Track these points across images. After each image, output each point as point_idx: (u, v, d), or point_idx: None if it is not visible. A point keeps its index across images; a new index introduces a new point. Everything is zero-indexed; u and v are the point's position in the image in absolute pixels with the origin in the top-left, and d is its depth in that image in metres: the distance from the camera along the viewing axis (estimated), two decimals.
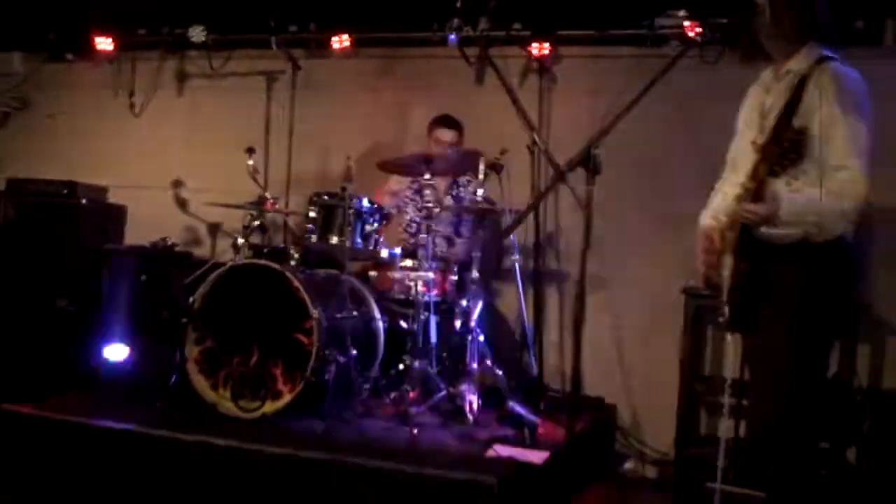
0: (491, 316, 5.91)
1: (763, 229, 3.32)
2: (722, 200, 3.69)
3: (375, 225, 5.33)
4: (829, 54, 3.38)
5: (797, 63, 3.37)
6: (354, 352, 4.96)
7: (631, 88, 6.28)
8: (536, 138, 6.02)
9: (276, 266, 4.98)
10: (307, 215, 5.30)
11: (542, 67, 6.52)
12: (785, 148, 3.16)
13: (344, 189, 5.14)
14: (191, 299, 5.09)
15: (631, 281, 6.40)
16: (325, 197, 5.28)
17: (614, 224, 6.33)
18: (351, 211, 5.12)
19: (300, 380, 4.84)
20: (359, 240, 5.24)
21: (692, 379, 5.86)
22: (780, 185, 3.22)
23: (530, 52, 6.45)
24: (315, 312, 4.82)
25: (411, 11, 6.62)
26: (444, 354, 5.46)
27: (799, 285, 3.32)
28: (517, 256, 5.09)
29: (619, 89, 6.30)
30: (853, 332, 5.76)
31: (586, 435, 5.66)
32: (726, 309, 3.50)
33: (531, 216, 6.17)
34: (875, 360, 5.96)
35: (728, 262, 3.47)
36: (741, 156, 3.57)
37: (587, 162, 3.56)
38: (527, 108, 6.59)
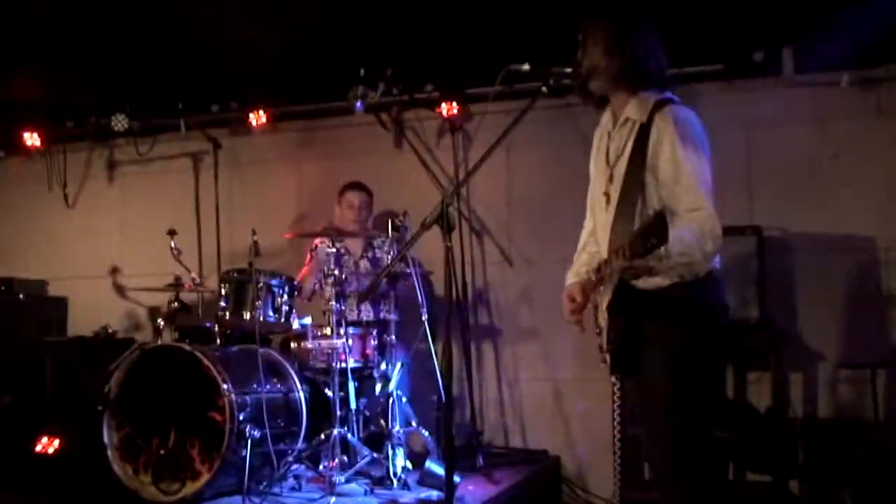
0: (417, 376, 5.90)
1: (641, 281, 3.32)
2: (588, 258, 3.69)
3: (285, 297, 5.37)
4: (666, 97, 3.40)
5: (634, 110, 3.37)
6: (271, 426, 4.94)
7: (544, 139, 6.43)
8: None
9: (186, 347, 5.00)
10: (217, 292, 5.33)
11: (454, 126, 6.58)
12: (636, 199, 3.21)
13: (251, 264, 5.17)
14: (107, 387, 5.10)
15: (562, 330, 6.39)
16: (235, 273, 5.32)
17: (540, 275, 6.41)
18: (260, 285, 5.15)
19: (217, 458, 4.83)
20: (270, 313, 5.27)
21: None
22: None
23: (440, 113, 6.52)
24: (225, 389, 4.83)
25: (327, 83, 6.72)
26: (366, 420, 5.46)
27: (671, 326, 3.32)
28: (425, 315, 5.09)
29: (533, 140, 6.44)
30: (780, 363, 5.78)
31: (528, 488, 5.66)
32: (607, 357, 3.49)
33: (459, 273, 6.20)
34: (808, 389, 5.95)
35: (603, 317, 3.47)
36: (597, 204, 3.58)
37: (441, 219, 3.58)
38: (446, 166, 6.67)
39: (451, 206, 3.56)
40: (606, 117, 3.55)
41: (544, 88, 3.68)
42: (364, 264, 6.21)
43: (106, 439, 5.06)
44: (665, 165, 3.24)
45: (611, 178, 3.42)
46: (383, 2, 5.39)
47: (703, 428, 3.44)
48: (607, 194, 3.44)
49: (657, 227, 2.86)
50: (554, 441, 6.44)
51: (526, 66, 3.63)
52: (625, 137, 3.39)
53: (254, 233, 5.22)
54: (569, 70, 3.57)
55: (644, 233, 2.93)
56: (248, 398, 4.99)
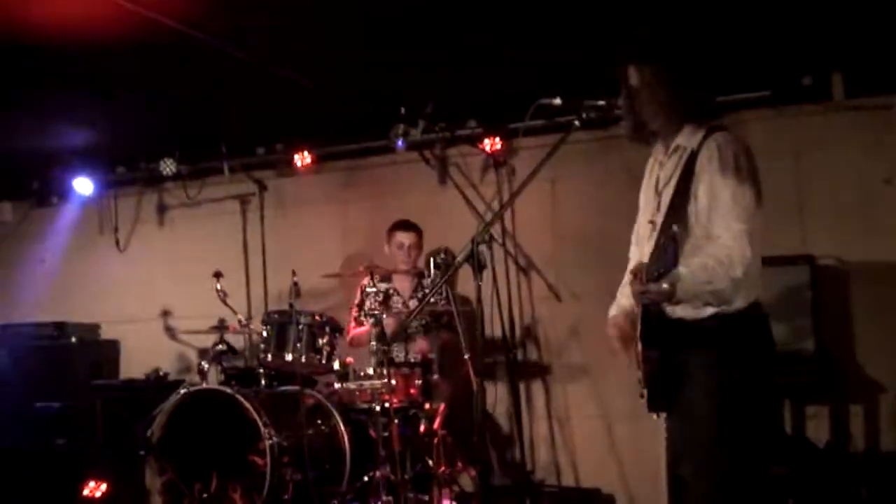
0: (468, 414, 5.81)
1: (669, 309, 3.25)
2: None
3: (326, 338, 5.34)
4: (716, 125, 3.35)
5: (685, 139, 3.33)
6: (314, 469, 4.90)
7: (588, 171, 6.36)
8: (493, 233, 6.01)
9: (227, 390, 5.00)
10: (261, 334, 5.32)
11: (497, 161, 6.54)
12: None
13: (291, 306, 5.16)
14: (149, 431, 5.11)
15: (612, 365, 6.27)
16: (276, 315, 5.31)
17: (589, 309, 6.29)
18: (300, 327, 5.13)
19: (258, 502, 4.80)
20: (311, 354, 5.24)
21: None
22: None
23: (483, 149, 6.48)
24: (266, 433, 4.80)
25: (370, 122, 6.71)
26: (412, 460, 5.38)
27: (713, 361, 3.24)
28: (467, 354, 5.00)
29: (577, 174, 6.38)
30: (838, 396, 5.60)
31: None
32: (644, 393, 3.41)
33: (503, 309, 6.13)
34: (868, 422, 5.75)
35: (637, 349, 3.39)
36: (643, 233, 3.53)
37: (472, 258, 3.52)
38: (490, 202, 6.62)
39: (485, 244, 3.47)
40: (658, 146, 3.49)
41: (577, 122, 3.64)
42: (414, 304, 6.16)
43: (148, 484, 5.07)
44: (704, 191, 3.20)
45: (658, 206, 3.37)
46: (424, 40, 5.37)
47: (749, 469, 3.33)
48: (653, 222, 3.39)
49: (665, 251, 2.84)
50: (607, 479, 6.31)
51: (557, 101, 3.60)
52: (674, 165, 3.34)
53: (294, 274, 5.23)
54: (601, 103, 3.53)
55: (656, 256, 2.88)
56: (288, 441, 4.95)
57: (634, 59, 3.43)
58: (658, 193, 3.42)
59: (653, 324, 3.26)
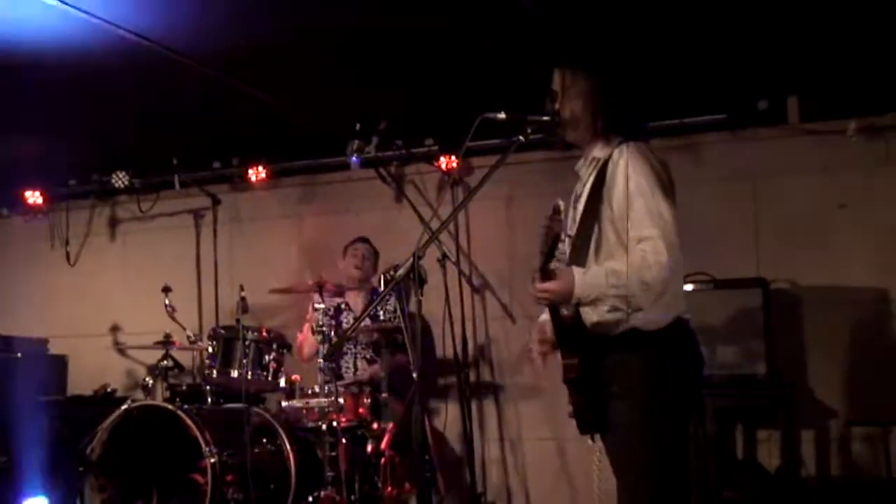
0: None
1: (584, 315, 3.20)
2: None
3: (274, 354, 5.25)
4: (631, 138, 3.32)
5: (600, 150, 3.33)
6: (257, 489, 4.80)
7: (545, 192, 6.30)
8: (446, 251, 5.96)
9: (169, 406, 4.89)
10: (206, 350, 5.23)
11: (454, 180, 6.49)
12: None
13: (238, 321, 5.07)
14: (89, 448, 4.99)
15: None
16: (222, 330, 5.22)
17: None
18: (248, 343, 5.03)
19: None
20: (258, 371, 5.15)
21: None
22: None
23: (439, 167, 6.44)
24: (208, 451, 4.70)
25: (328, 138, 6.65)
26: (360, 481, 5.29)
27: (639, 379, 3.18)
28: (415, 373, 4.92)
29: (532, 194, 6.34)
30: (790, 420, 5.59)
31: None
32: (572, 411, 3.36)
33: (457, 328, 6.08)
34: (819, 447, 5.73)
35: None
36: (562, 250, 3.49)
37: (413, 273, 3.46)
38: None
39: (439, 262, 3.40)
40: (580, 163, 3.48)
41: (521, 138, 3.59)
42: (366, 321, 6.08)
43: (88, 501, 4.94)
44: (618, 197, 3.16)
45: (573, 219, 3.35)
46: (383, 59, 5.33)
47: (677, 488, 3.29)
48: (570, 235, 3.36)
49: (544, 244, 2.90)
50: (558, 502, 6.23)
51: (502, 115, 3.53)
52: (587, 175, 3.32)
53: (242, 289, 5.14)
54: (545, 118, 3.48)
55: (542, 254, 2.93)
56: (232, 460, 4.85)
57: (561, 63, 3.42)
58: (574, 208, 3.40)
59: (567, 330, 3.21)
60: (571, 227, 3.35)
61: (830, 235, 5.82)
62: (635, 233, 3.09)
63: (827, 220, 5.84)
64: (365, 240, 6.28)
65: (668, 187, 3.18)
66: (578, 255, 3.18)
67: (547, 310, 3.51)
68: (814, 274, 5.82)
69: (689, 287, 5.06)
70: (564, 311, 3.18)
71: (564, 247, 3.40)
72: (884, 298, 5.67)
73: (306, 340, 5.99)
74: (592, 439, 3.47)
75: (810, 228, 5.87)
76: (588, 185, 3.30)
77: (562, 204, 3.03)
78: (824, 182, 5.88)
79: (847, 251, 5.76)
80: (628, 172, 3.14)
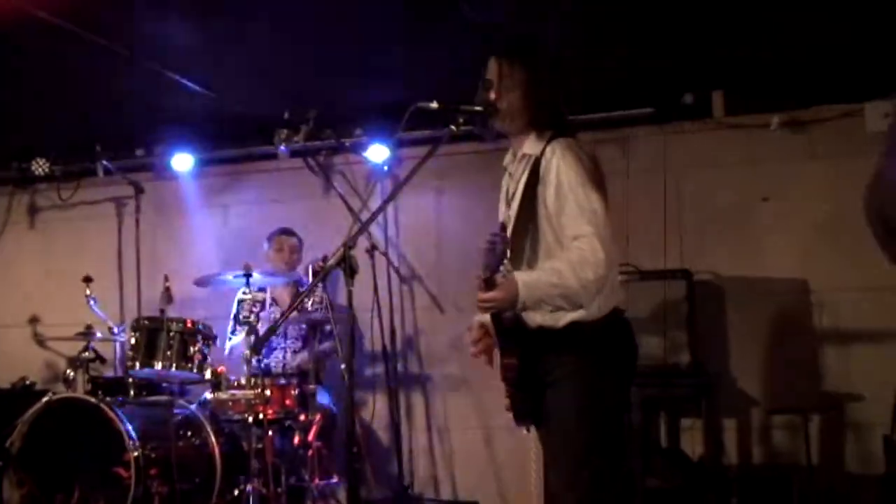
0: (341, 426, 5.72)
1: (528, 317, 3.21)
2: None
3: (199, 346, 5.17)
4: (561, 133, 3.32)
5: (531, 146, 3.30)
6: (182, 482, 4.73)
7: (474, 183, 6.33)
8: (375, 243, 5.94)
9: (91, 399, 4.79)
10: (129, 341, 5.13)
11: (383, 171, 6.46)
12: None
13: (162, 311, 4.99)
14: (8, 441, 4.86)
15: (494, 377, 6.23)
16: (145, 321, 5.13)
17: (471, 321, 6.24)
18: (171, 334, 4.95)
19: None
20: (183, 362, 5.07)
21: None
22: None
23: (369, 157, 6.40)
24: (131, 444, 4.61)
25: (255, 127, 6.56)
26: (287, 473, 5.24)
27: (577, 370, 3.20)
28: (342, 364, 4.89)
29: (462, 185, 6.35)
30: (712, 409, 5.68)
31: None
32: (509, 404, 3.36)
33: (385, 319, 6.07)
34: (741, 435, 5.84)
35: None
36: None
37: (344, 263, 3.43)
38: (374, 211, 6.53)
39: (368, 252, 3.37)
40: (508, 157, 3.46)
41: (453, 127, 3.57)
42: (293, 315, 6.02)
43: (7, 496, 4.82)
44: (552, 195, 3.16)
45: (507, 218, 3.33)
46: (315, 47, 5.27)
47: (615, 480, 3.32)
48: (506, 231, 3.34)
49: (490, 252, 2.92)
50: (486, 491, 6.26)
51: (434, 105, 3.51)
52: (520, 173, 3.31)
53: (166, 279, 5.06)
54: (478, 108, 3.47)
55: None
56: (156, 453, 4.77)
57: (496, 52, 3.40)
58: (508, 204, 3.39)
59: (508, 330, 3.22)
60: (507, 224, 3.34)
61: (753, 228, 5.93)
62: (571, 231, 3.10)
63: (750, 213, 5.95)
64: (289, 231, 6.22)
65: (599, 181, 3.19)
66: (515, 255, 3.17)
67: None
68: (737, 265, 5.91)
69: None
70: (506, 314, 3.18)
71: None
72: (804, 289, 5.79)
73: (235, 348, 5.87)
74: (528, 430, 3.47)
75: (734, 221, 5.97)
76: (521, 184, 3.26)
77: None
78: (748, 175, 5.98)
79: (769, 243, 5.88)
80: (561, 167, 3.14)
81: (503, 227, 3.07)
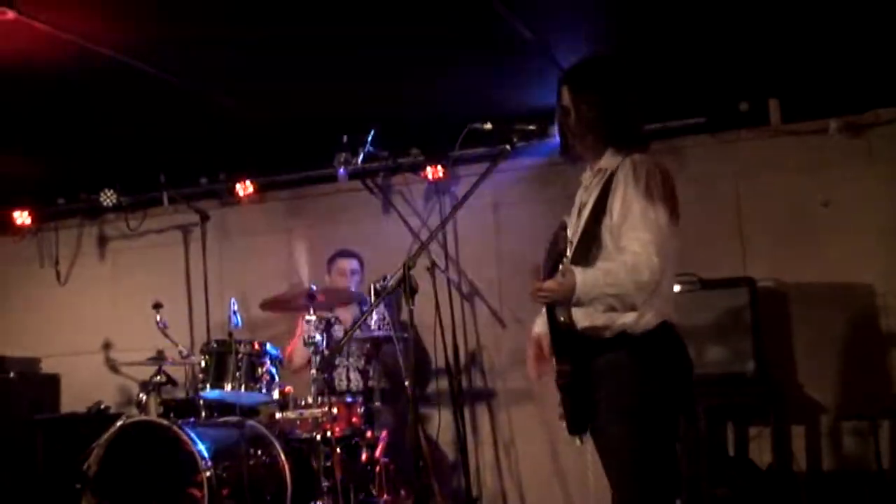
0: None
1: (577, 319, 3.24)
2: None
3: (267, 367, 5.28)
4: (639, 149, 3.37)
5: (607, 161, 3.36)
6: (254, 500, 4.83)
7: (531, 198, 6.38)
8: (435, 260, 6.00)
9: (164, 421, 4.92)
10: (199, 364, 5.25)
11: (440, 189, 6.55)
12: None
13: (230, 335, 5.10)
14: (85, 464, 5.01)
15: (557, 390, 6.28)
16: (214, 344, 5.25)
17: None
18: (240, 356, 5.07)
19: None
20: (251, 383, 5.18)
21: None
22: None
23: (425, 177, 6.49)
24: (203, 465, 4.73)
25: (315, 150, 6.68)
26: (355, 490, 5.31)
27: (627, 377, 3.23)
28: (407, 381, 4.97)
29: (519, 200, 6.40)
30: (780, 416, 5.64)
31: None
32: (562, 413, 3.40)
33: (447, 335, 6.12)
34: (810, 442, 5.79)
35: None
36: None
37: (404, 283, 3.50)
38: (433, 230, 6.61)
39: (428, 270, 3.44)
40: (586, 174, 3.50)
41: (508, 147, 3.64)
42: (356, 333, 6.11)
43: None
44: (618, 206, 3.20)
45: (576, 228, 3.38)
46: (368, 69, 5.38)
47: (667, 485, 3.33)
48: (572, 242, 3.39)
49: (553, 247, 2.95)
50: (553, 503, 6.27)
51: (488, 125, 3.60)
52: (594, 186, 3.36)
53: (233, 303, 5.16)
54: (531, 127, 3.53)
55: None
56: (228, 473, 4.87)
57: (568, 80, 3.46)
58: (579, 216, 3.44)
59: (562, 335, 3.25)
60: (574, 235, 3.39)
61: (815, 233, 5.89)
62: (631, 234, 3.15)
63: (811, 219, 5.91)
64: (350, 252, 6.31)
65: (668, 195, 3.22)
66: (577, 263, 3.22)
67: (538, 321, 3.57)
68: (799, 271, 5.87)
69: (676, 288, 5.07)
70: (561, 318, 3.22)
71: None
72: (869, 293, 5.73)
73: (296, 351, 6.03)
74: (581, 440, 3.50)
75: (794, 227, 5.94)
76: (594, 196, 3.31)
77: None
78: (806, 181, 5.95)
79: (831, 248, 5.83)
80: (630, 179, 3.19)
81: (563, 225, 3.11)
